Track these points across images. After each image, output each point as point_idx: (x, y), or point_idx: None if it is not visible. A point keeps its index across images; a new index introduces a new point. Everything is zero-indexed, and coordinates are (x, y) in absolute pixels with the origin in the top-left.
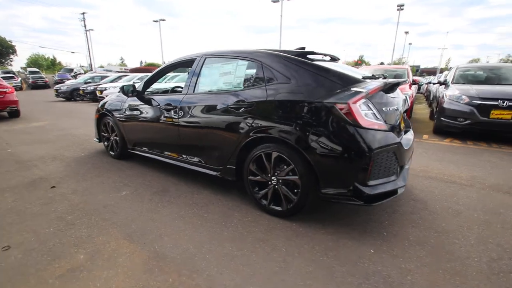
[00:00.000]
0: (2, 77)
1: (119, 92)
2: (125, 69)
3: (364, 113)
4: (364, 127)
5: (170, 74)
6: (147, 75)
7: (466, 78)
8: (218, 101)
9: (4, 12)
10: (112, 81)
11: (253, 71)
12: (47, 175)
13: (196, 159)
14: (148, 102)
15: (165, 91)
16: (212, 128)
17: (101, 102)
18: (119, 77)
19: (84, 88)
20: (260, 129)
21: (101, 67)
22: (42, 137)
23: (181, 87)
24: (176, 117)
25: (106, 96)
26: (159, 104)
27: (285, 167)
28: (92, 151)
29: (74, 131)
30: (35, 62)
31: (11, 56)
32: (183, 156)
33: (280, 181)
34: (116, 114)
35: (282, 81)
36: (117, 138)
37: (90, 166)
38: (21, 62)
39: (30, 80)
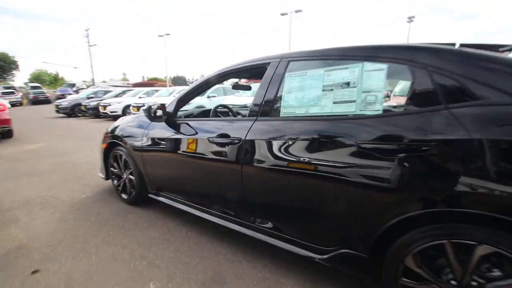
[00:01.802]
0: (3, 93)
1: (141, 113)
2: (127, 83)
3: None
4: None
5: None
6: (156, 90)
7: None
8: (327, 132)
9: (8, 27)
10: (115, 96)
11: (404, 82)
12: (29, 241)
13: (272, 227)
14: (184, 129)
15: (204, 113)
16: (314, 179)
17: (111, 127)
18: (123, 92)
19: (86, 104)
20: (450, 196)
21: (104, 82)
22: (34, 167)
23: (226, 107)
24: (238, 156)
25: (111, 112)
26: (203, 134)
27: (503, 274)
28: (96, 190)
29: (74, 157)
30: (37, 77)
31: (14, 72)
32: (248, 218)
33: None
34: (132, 143)
35: (498, 100)
36: (133, 177)
37: (94, 221)
38: (24, 77)
39: (31, 96)
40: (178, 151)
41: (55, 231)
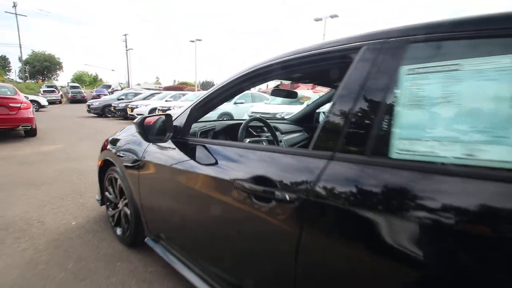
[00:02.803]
0: (44, 91)
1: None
2: (159, 87)
3: None
4: None
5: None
6: (183, 94)
7: None
8: None
9: (52, 29)
10: (144, 98)
11: None
12: None
13: None
14: (198, 155)
15: (229, 129)
16: None
17: (112, 137)
18: (152, 95)
19: (116, 105)
20: None
21: (138, 84)
22: (39, 174)
23: (263, 122)
24: (292, 224)
25: (137, 114)
26: (225, 168)
27: None
28: (91, 216)
29: (84, 164)
30: (79, 78)
31: (58, 72)
32: None
33: None
34: (127, 164)
35: None
36: (128, 211)
37: (70, 271)
38: (67, 77)
39: (70, 94)
40: (189, 190)
41: (14, 285)
